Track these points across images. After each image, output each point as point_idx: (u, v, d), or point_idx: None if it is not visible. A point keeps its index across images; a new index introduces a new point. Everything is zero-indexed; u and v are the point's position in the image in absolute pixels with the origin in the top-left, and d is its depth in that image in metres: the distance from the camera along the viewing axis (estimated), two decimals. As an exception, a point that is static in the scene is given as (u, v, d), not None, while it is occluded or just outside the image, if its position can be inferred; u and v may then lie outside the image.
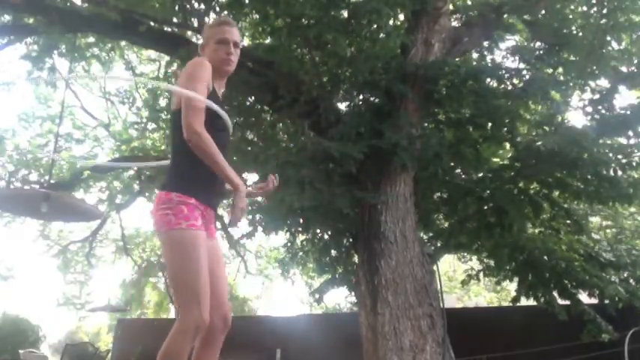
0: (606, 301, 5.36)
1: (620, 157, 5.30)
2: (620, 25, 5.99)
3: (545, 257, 5.62)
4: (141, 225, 16.67)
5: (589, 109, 5.95)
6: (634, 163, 5.29)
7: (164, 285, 18.74)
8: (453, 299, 15.28)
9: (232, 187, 1.97)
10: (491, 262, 6.53)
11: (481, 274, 6.81)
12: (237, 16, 6.06)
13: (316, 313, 15.13)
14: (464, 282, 7.43)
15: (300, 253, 7.32)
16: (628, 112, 5.50)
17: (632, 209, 7.35)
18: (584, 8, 6.58)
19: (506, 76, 5.92)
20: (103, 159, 10.85)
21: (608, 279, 5.52)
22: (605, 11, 6.07)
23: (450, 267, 14.99)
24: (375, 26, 5.19)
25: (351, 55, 5.55)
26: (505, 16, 5.94)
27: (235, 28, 2.29)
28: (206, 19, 6.32)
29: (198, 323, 1.83)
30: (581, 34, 6.27)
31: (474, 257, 7.32)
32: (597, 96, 5.99)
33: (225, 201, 6.64)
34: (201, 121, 1.94)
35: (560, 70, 6.38)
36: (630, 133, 5.53)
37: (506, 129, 5.68)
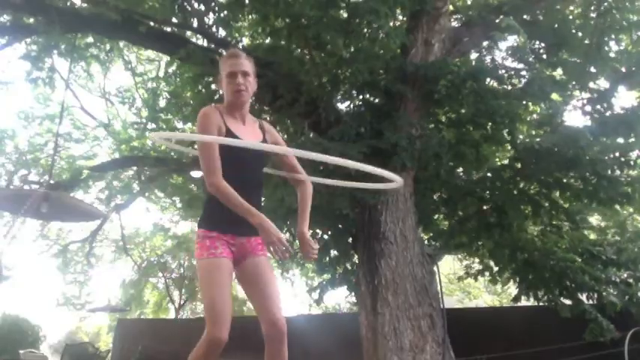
0: (610, 298, 5.37)
1: (618, 155, 5.30)
2: (617, 26, 5.99)
3: (545, 258, 5.62)
4: (140, 225, 16.69)
5: (588, 108, 5.96)
6: (632, 162, 5.30)
7: (164, 285, 18.77)
8: (453, 301, 15.28)
9: (255, 226, 2.12)
10: (492, 263, 6.52)
11: (479, 275, 6.80)
12: (237, 16, 6.06)
13: (316, 313, 15.13)
14: (461, 278, 7.42)
15: (300, 253, 7.31)
16: (628, 112, 5.50)
17: (631, 209, 7.35)
18: (582, 9, 6.59)
19: (506, 76, 5.92)
20: (103, 159, 10.84)
21: (607, 279, 5.52)
22: (602, 9, 6.07)
23: (451, 269, 14.99)
24: (375, 26, 5.19)
25: (351, 55, 5.55)
26: (501, 17, 5.94)
27: (242, 58, 2.32)
28: (206, 19, 6.32)
29: (211, 338, 2.05)
30: (580, 34, 6.26)
31: (475, 259, 7.31)
32: (596, 95, 5.99)
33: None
34: (214, 170, 2.16)
35: (560, 70, 6.39)
36: (630, 132, 5.53)
37: (506, 129, 5.68)
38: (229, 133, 2.23)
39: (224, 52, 6.38)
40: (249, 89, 2.30)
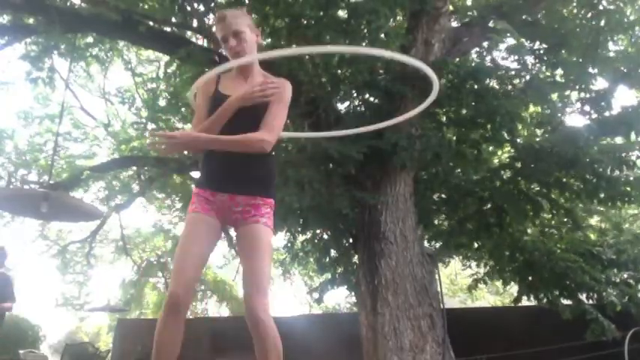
0: (610, 299, 5.37)
1: (617, 155, 5.30)
2: (614, 26, 6.00)
3: (545, 258, 5.62)
4: (140, 225, 16.68)
5: (587, 107, 5.96)
6: (630, 162, 5.30)
7: (164, 285, 18.76)
8: (455, 303, 15.25)
9: (240, 104, 2.01)
10: (493, 264, 6.52)
11: (487, 277, 6.76)
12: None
13: (316, 313, 15.13)
14: (471, 287, 7.24)
15: (300, 253, 7.32)
16: (629, 110, 5.50)
17: (632, 211, 7.35)
18: (578, 9, 6.59)
19: (506, 76, 5.93)
20: (103, 159, 10.84)
21: (607, 280, 5.52)
22: (598, 10, 6.08)
23: (452, 270, 14.98)
24: (375, 26, 5.19)
25: (351, 55, 5.55)
26: (493, 17, 5.94)
27: (229, 17, 2.14)
28: (205, 19, 6.32)
29: (168, 292, 1.91)
30: (578, 33, 6.27)
31: (476, 262, 7.28)
32: (594, 95, 5.99)
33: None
34: (193, 126, 2.13)
35: (560, 70, 6.39)
36: (629, 132, 5.53)
37: (506, 129, 5.69)
38: (217, 93, 2.15)
39: (224, 52, 6.40)
40: (245, 47, 2.13)
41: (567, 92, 6.21)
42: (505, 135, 5.83)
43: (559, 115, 6.06)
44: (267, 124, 2.02)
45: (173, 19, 6.54)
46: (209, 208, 2.04)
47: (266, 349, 1.86)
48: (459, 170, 6.32)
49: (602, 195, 5.44)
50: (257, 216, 2.02)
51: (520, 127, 6.26)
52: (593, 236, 6.81)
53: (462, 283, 11.49)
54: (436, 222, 6.83)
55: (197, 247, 1.99)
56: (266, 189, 2.08)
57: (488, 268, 6.83)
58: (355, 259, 6.10)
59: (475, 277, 7.12)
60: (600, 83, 6.16)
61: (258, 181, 2.07)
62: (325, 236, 6.63)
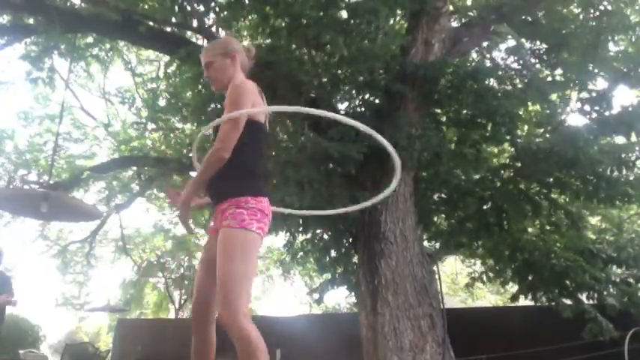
0: (608, 300, 5.37)
1: (617, 156, 5.30)
2: (614, 27, 6.01)
3: (545, 257, 5.62)
4: (140, 225, 16.68)
5: (587, 107, 5.96)
6: (630, 163, 5.30)
7: (164, 285, 18.77)
8: (456, 302, 15.25)
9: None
10: (492, 263, 6.52)
11: (484, 277, 6.78)
12: (236, 17, 6.05)
13: (316, 313, 15.13)
14: (468, 285, 7.36)
15: (300, 253, 7.32)
16: (630, 109, 5.50)
17: (632, 211, 7.36)
18: (580, 10, 6.60)
19: (506, 76, 5.92)
20: (103, 159, 10.84)
21: (607, 279, 5.52)
22: (599, 12, 6.09)
23: (453, 270, 14.99)
24: (374, 26, 5.19)
25: (351, 55, 5.55)
26: (493, 18, 5.94)
27: (202, 53, 2.42)
28: (205, 19, 6.32)
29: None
30: (578, 33, 6.27)
31: (477, 260, 7.30)
32: (594, 95, 5.99)
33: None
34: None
35: (560, 70, 6.39)
36: (629, 132, 5.53)
37: (506, 129, 5.69)
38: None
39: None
40: (215, 77, 2.36)
41: (567, 92, 6.21)
42: (505, 135, 5.84)
43: (559, 111, 6.05)
44: (217, 136, 2.13)
45: (173, 19, 6.53)
46: (212, 228, 2.22)
47: (244, 351, 1.86)
48: (459, 170, 6.32)
49: (602, 195, 5.43)
50: (222, 221, 2.05)
51: (520, 126, 6.27)
52: (592, 235, 6.81)
53: (463, 283, 11.49)
54: (436, 222, 6.82)
55: (202, 268, 2.21)
56: (232, 189, 2.09)
57: (485, 266, 6.84)
58: (355, 259, 6.10)
59: (472, 275, 7.16)
60: (600, 83, 6.18)
61: (224, 186, 2.12)
62: (325, 236, 6.63)
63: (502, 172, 6.23)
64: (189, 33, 7.23)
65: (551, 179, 5.73)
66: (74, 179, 9.38)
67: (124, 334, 12.09)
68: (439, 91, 5.71)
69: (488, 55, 6.58)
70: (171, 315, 19.01)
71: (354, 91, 6.16)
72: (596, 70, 6.01)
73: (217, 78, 2.35)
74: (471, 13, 6.77)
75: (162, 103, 9.45)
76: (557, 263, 5.42)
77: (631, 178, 5.54)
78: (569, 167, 5.39)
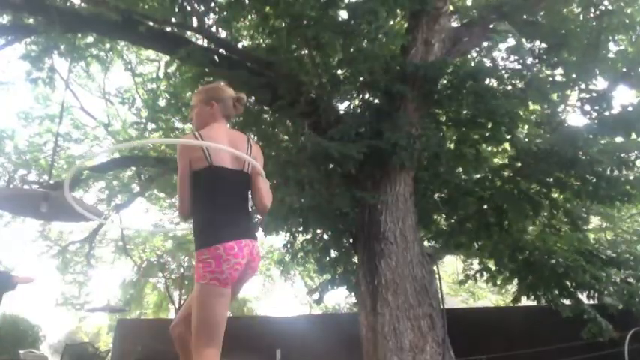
0: (606, 300, 5.37)
1: (617, 155, 5.30)
2: (614, 27, 6.01)
3: (546, 257, 5.62)
4: (140, 225, 16.65)
5: (587, 107, 5.96)
6: (630, 163, 5.30)
7: (164, 285, 18.76)
8: (457, 302, 15.26)
9: None
10: (492, 263, 6.52)
11: (478, 275, 6.79)
12: (236, 17, 6.05)
13: (316, 313, 15.13)
14: (461, 282, 7.43)
15: (300, 253, 7.32)
16: (630, 107, 5.50)
17: (633, 211, 7.35)
18: (580, 10, 6.60)
19: (506, 76, 5.92)
20: (103, 159, 10.84)
21: (607, 278, 5.52)
22: (599, 12, 6.09)
23: (455, 270, 14.97)
24: (374, 27, 5.19)
25: (351, 56, 5.55)
26: (494, 17, 5.94)
27: (193, 94, 2.69)
28: (205, 19, 6.32)
29: None
30: (578, 33, 6.27)
31: (477, 260, 7.30)
32: (594, 95, 5.99)
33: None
34: None
35: (560, 70, 6.39)
36: (629, 132, 5.53)
37: (506, 129, 5.69)
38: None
39: (224, 52, 6.40)
40: (194, 120, 2.61)
41: (568, 92, 6.21)
42: (505, 135, 5.84)
43: (559, 111, 6.06)
44: None
45: (173, 19, 6.54)
46: None
47: None
48: (459, 170, 6.32)
49: (602, 195, 5.43)
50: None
51: (521, 125, 6.27)
52: (592, 235, 6.82)
53: (462, 285, 11.51)
54: (436, 222, 6.82)
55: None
56: (195, 243, 2.25)
57: (481, 265, 6.84)
58: (355, 259, 6.10)
59: (467, 272, 7.19)
60: (600, 83, 6.18)
61: (194, 241, 2.30)
62: (325, 236, 6.62)
63: (502, 172, 6.23)
64: (189, 33, 7.23)
65: (551, 179, 5.73)
66: (74, 179, 9.37)
67: (124, 334, 12.09)
68: (439, 91, 5.71)
69: (488, 55, 6.56)
70: (172, 315, 19.00)
71: (354, 91, 6.16)
72: (596, 70, 6.02)
73: (195, 121, 2.59)
74: (470, 13, 6.76)
75: (162, 103, 9.45)
76: (557, 263, 5.42)
77: (631, 177, 5.54)
78: (569, 167, 5.39)
